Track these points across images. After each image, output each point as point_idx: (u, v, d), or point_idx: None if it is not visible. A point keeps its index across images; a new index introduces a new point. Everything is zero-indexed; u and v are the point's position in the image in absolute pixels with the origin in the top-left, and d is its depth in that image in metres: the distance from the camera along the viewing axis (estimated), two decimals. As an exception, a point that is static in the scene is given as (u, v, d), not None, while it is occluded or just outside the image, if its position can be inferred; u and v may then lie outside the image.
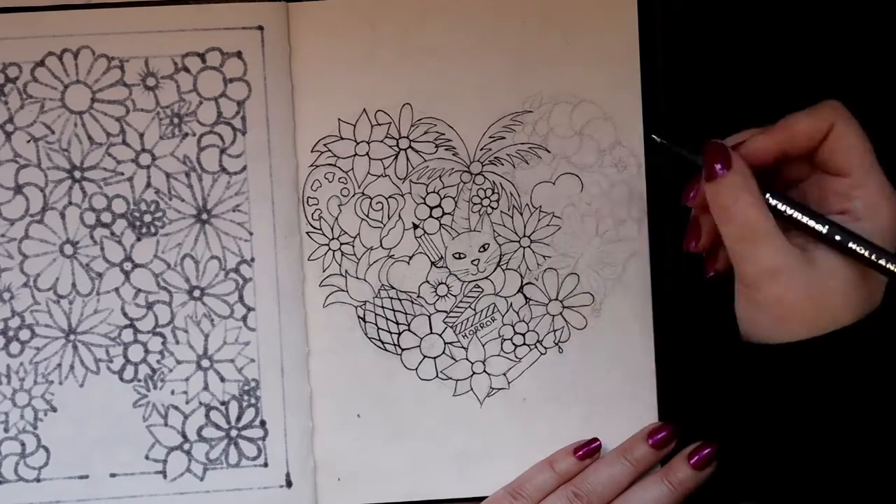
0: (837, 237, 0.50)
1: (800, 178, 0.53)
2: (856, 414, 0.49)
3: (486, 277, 0.60)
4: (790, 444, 0.51)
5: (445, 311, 0.60)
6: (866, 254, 0.49)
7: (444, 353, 0.60)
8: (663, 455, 0.58)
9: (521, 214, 0.60)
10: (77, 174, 0.58)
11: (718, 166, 0.50)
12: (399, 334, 0.60)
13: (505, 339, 0.60)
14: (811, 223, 0.50)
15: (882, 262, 0.49)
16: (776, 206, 0.51)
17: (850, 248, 0.49)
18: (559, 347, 0.60)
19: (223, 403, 0.59)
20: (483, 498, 0.59)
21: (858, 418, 0.49)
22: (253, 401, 0.59)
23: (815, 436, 0.50)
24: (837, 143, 0.50)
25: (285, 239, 0.59)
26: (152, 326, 0.59)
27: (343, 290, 0.60)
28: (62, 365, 0.58)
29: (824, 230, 0.50)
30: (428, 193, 0.60)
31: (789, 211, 0.51)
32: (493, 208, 0.60)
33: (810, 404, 0.50)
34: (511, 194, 0.60)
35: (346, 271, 0.60)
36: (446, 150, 0.60)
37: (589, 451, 0.59)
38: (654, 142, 0.55)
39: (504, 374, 0.60)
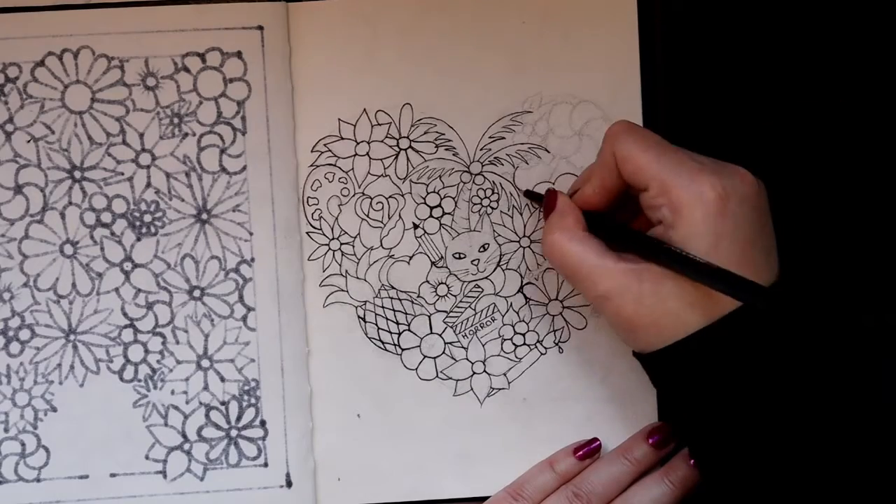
0: (646, 253, 0.50)
1: None
2: (720, 419, 0.50)
3: (486, 277, 0.60)
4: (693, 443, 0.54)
5: (445, 311, 0.60)
6: (671, 263, 0.49)
7: (444, 353, 0.60)
8: (663, 454, 0.58)
9: (521, 214, 0.60)
10: (77, 174, 0.58)
11: (548, 211, 0.54)
12: (399, 334, 0.60)
13: (505, 339, 0.60)
14: (627, 244, 0.51)
15: (679, 266, 0.48)
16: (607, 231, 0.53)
17: (661, 260, 0.49)
18: (559, 347, 0.60)
19: (223, 403, 0.59)
20: (483, 498, 0.59)
21: (722, 424, 0.50)
22: (253, 401, 0.59)
23: (703, 438, 0.51)
24: (624, 166, 0.51)
25: (285, 239, 0.59)
26: (152, 326, 0.59)
27: (343, 290, 0.60)
28: (62, 365, 0.58)
29: (637, 249, 0.51)
30: (428, 193, 0.60)
31: (614, 236, 0.52)
32: (493, 208, 0.60)
33: (691, 407, 0.51)
34: (511, 194, 0.60)
35: (346, 271, 0.60)
36: (446, 150, 0.60)
37: (589, 451, 0.59)
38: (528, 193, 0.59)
39: (504, 374, 0.60)
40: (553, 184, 0.59)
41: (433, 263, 0.60)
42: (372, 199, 0.59)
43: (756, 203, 0.49)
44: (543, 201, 0.55)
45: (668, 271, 0.49)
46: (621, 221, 0.54)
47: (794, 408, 0.48)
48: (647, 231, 0.51)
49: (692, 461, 0.57)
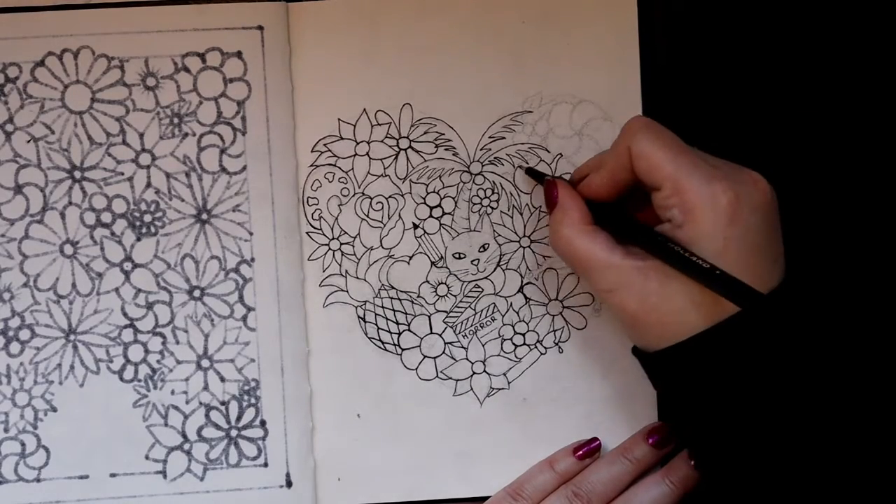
0: (652, 250, 0.50)
1: None
2: (722, 420, 0.49)
3: (486, 277, 0.60)
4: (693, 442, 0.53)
5: (445, 311, 0.60)
6: (673, 262, 0.49)
7: (444, 353, 0.60)
8: (663, 454, 0.58)
9: (521, 214, 0.60)
10: (77, 174, 0.58)
11: (550, 202, 0.54)
12: (399, 334, 0.60)
13: (505, 339, 0.60)
14: (633, 237, 0.51)
15: (682, 267, 0.48)
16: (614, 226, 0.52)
17: (663, 257, 0.49)
18: (559, 347, 0.60)
19: (223, 403, 0.59)
20: (483, 498, 0.59)
21: (724, 424, 0.49)
22: (253, 401, 0.59)
23: (702, 436, 0.51)
24: (638, 163, 0.50)
25: (285, 239, 0.59)
26: (152, 326, 0.59)
27: (343, 290, 0.60)
28: (62, 365, 0.58)
29: (643, 243, 0.51)
30: (428, 193, 0.60)
31: (620, 229, 0.52)
32: (493, 208, 0.60)
33: (691, 409, 0.51)
34: (511, 194, 0.60)
35: (346, 271, 0.60)
36: (446, 150, 0.60)
37: (589, 450, 0.59)
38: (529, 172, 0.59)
39: (504, 374, 0.60)
40: (553, 184, 0.59)
41: (433, 263, 0.60)
42: (372, 199, 0.59)
43: (767, 211, 0.49)
44: (544, 191, 0.55)
45: (674, 271, 0.49)
46: (627, 211, 0.54)
47: (794, 412, 0.48)
48: (655, 227, 0.51)
49: (692, 461, 0.57)
